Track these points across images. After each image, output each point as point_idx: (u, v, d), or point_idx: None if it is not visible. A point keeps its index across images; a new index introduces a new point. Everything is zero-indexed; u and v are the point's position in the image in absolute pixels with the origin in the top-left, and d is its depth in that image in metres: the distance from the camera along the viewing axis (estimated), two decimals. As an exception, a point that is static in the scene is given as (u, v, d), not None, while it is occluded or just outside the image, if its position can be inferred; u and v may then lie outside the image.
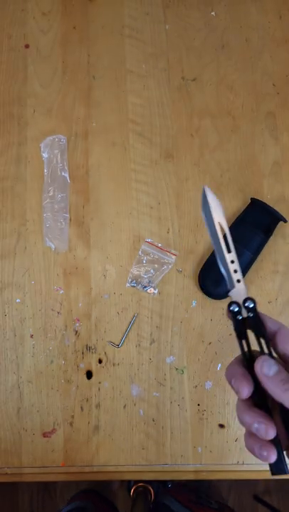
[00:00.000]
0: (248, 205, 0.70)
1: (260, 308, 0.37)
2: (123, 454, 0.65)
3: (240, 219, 0.69)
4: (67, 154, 0.74)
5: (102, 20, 0.81)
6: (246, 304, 0.37)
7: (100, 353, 0.67)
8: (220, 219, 0.40)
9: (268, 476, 0.65)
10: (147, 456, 0.65)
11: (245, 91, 0.77)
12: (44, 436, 0.65)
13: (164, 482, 0.92)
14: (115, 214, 0.72)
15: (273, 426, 0.33)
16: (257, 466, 0.64)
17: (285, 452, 0.33)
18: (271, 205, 0.68)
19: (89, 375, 0.67)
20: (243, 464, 0.64)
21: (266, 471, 0.65)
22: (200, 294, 0.69)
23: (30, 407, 0.66)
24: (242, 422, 0.35)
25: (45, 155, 0.73)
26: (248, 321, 0.37)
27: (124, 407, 0.66)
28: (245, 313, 0.37)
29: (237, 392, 0.35)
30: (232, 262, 0.38)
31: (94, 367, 0.67)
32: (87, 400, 0.66)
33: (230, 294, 0.38)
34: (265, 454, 0.33)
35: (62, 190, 0.72)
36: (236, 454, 0.64)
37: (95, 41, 0.80)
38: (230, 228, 0.69)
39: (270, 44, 0.80)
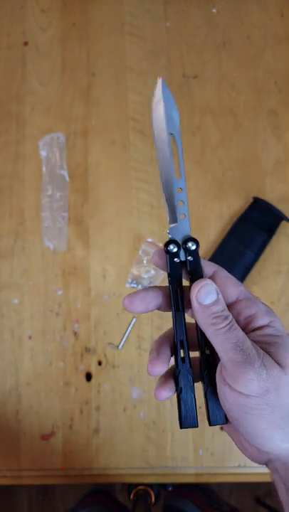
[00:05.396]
0: (251, 204, 0.69)
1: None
2: (123, 457, 0.64)
3: (242, 218, 0.68)
4: (66, 152, 0.73)
5: (102, 18, 0.80)
6: (188, 245, 0.31)
7: (99, 354, 0.66)
8: (174, 129, 0.31)
9: (270, 478, 0.64)
10: (148, 459, 0.64)
11: (247, 88, 0.76)
12: (43, 439, 0.64)
13: (164, 485, 0.91)
14: (115, 213, 0.71)
15: (158, 363, 0.31)
16: (259, 469, 0.63)
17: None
18: (274, 205, 0.67)
19: (88, 377, 0.66)
20: (244, 466, 0.63)
21: (268, 473, 0.64)
22: (201, 295, 0.67)
23: (29, 409, 0.65)
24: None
25: (43, 153, 0.72)
26: (185, 266, 0.32)
27: (125, 409, 0.65)
28: (183, 256, 0.31)
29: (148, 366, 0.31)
30: (180, 190, 0.32)
31: (93, 369, 0.66)
32: (86, 403, 0.65)
33: (169, 230, 0.32)
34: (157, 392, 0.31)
35: (61, 189, 0.71)
36: (238, 457, 0.63)
37: (94, 39, 0.79)
38: (233, 228, 0.68)
39: (271, 41, 0.79)
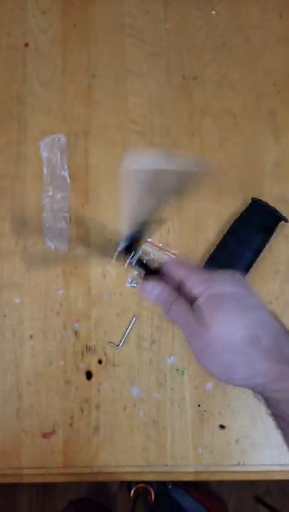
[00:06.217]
0: (249, 204, 0.69)
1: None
2: (123, 455, 0.64)
3: (240, 219, 0.68)
4: (67, 154, 0.73)
5: (102, 19, 0.80)
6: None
7: (99, 353, 0.67)
8: None
9: (269, 476, 0.65)
10: (148, 457, 0.64)
11: (246, 90, 0.77)
12: (44, 438, 0.65)
13: (164, 483, 0.92)
14: (115, 213, 0.72)
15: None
16: (258, 467, 0.64)
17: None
18: (272, 205, 0.68)
19: (88, 375, 0.66)
20: (243, 464, 0.64)
21: (267, 471, 0.65)
22: (200, 295, 0.68)
23: (29, 408, 0.65)
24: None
25: (44, 154, 0.73)
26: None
27: (125, 408, 0.65)
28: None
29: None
30: None
31: (94, 368, 0.66)
32: (86, 401, 0.65)
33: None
34: None
35: (62, 190, 0.72)
36: (237, 455, 0.64)
37: (95, 40, 0.79)
38: (231, 228, 0.69)
39: (270, 43, 0.79)
